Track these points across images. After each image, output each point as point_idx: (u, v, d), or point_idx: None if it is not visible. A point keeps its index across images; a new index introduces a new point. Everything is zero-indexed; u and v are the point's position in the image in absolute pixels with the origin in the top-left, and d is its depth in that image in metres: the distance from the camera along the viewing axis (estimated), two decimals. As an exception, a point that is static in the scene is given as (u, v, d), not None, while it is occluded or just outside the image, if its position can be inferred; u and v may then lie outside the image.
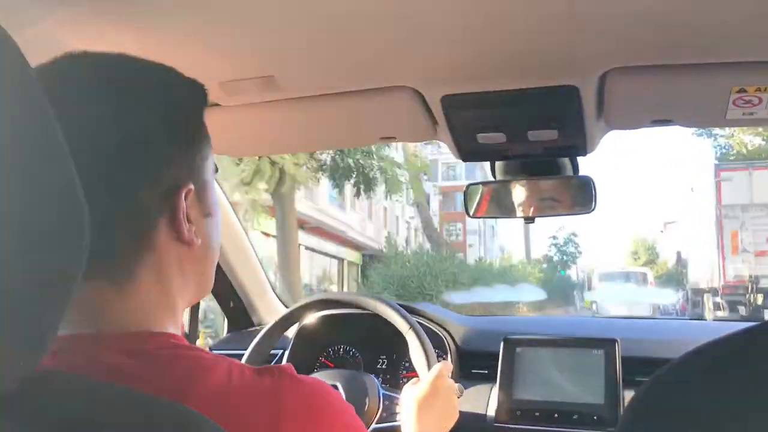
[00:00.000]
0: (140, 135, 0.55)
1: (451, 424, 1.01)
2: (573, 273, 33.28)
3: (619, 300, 16.38)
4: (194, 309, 1.46)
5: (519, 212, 1.19)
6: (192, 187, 0.58)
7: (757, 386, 0.41)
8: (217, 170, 0.65)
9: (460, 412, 1.03)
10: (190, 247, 0.59)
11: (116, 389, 0.47)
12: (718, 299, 12.88)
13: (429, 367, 1.06)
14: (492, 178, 1.23)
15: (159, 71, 0.60)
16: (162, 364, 0.53)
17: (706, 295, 14.16)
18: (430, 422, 0.98)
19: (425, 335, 1.11)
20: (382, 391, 1.19)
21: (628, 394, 1.22)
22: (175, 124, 0.59)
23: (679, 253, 20.23)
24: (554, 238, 36.13)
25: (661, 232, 37.27)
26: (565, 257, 35.94)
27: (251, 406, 0.52)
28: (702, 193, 14.00)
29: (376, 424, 1.15)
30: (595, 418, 1.20)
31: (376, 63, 0.89)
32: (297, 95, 0.99)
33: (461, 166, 31.56)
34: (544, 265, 31.03)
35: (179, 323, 0.61)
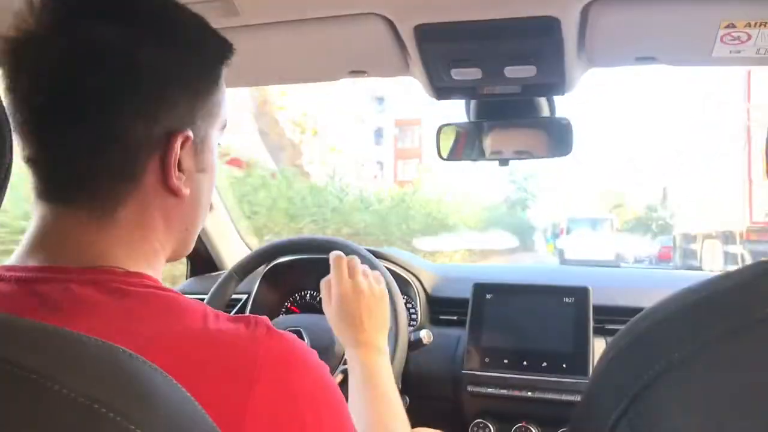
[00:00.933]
0: (150, 68, 0.58)
1: (373, 324, 0.98)
2: (535, 217, 32.86)
3: (586, 246, 16.61)
4: None
5: (493, 155, 1.24)
6: (190, 134, 0.61)
7: (751, 328, 0.42)
8: (224, 127, 0.69)
9: (430, 358, 1.07)
10: (177, 196, 0.62)
11: (51, 330, 0.43)
12: (735, 247, 10.42)
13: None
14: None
15: (191, 17, 0.64)
16: (136, 301, 0.56)
17: (707, 242, 11.97)
18: (355, 329, 0.97)
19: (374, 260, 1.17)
20: None
21: (598, 343, 1.32)
22: (191, 71, 0.62)
23: (665, 190, 18.03)
24: (511, 174, 33.93)
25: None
26: (524, 194, 34.56)
27: (227, 353, 0.54)
28: (713, 102, 11.92)
29: (343, 365, 1.21)
30: (564, 366, 1.29)
31: None
32: (257, 21, 0.99)
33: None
34: (487, 203, 26.78)
35: (158, 272, 0.63)
